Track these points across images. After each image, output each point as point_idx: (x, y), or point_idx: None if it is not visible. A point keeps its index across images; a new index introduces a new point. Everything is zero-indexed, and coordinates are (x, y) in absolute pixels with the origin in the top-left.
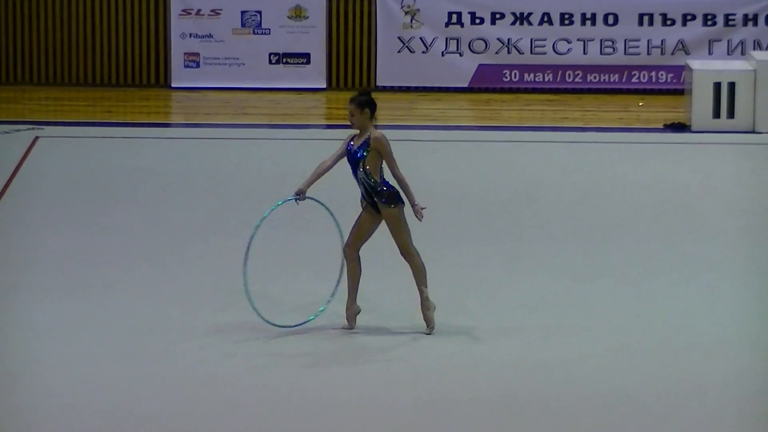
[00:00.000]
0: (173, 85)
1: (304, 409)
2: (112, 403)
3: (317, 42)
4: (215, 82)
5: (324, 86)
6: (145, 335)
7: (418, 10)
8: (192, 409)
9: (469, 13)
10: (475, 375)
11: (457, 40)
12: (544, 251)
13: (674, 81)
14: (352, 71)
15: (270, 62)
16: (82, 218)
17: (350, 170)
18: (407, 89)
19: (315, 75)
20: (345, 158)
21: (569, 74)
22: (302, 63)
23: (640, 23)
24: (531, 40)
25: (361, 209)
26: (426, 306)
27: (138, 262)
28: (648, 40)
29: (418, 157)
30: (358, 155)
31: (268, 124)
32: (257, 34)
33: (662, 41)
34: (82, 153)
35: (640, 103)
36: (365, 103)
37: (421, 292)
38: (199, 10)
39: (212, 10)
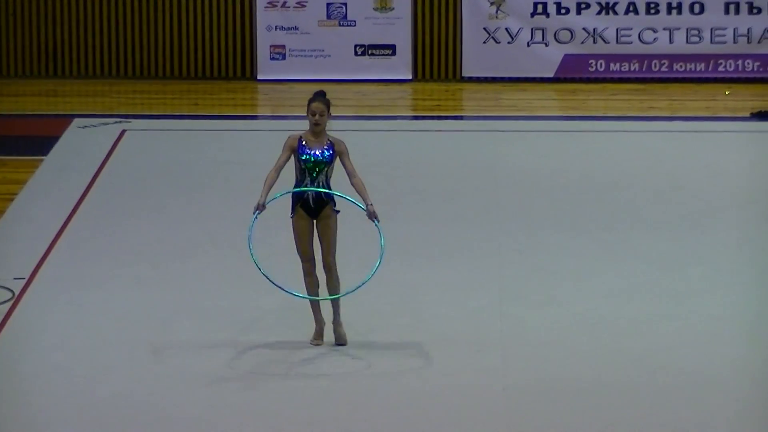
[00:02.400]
0: (259, 77)
1: (400, 394)
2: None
3: (403, 33)
4: (301, 74)
5: (410, 77)
6: (239, 325)
7: (504, 0)
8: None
9: (554, 3)
10: (566, 364)
11: (543, 30)
12: (633, 240)
13: (761, 69)
14: (438, 62)
15: (356, 54)
16: (169, 210)
17: (298, 175)
18: (493, 80)
19: (401, 66)
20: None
21: (655, 63)
22: (388, 54)
23: (726, 12)
24: (617, 29)
25: (293, 220)
26: (340, 322)
27: (227, 252)
28: (734, 29)
29: (505, 147)
30: (326, 158)
31: (355, 115)
32: (343, 25)
33: (749, 29)
34: (169, 146)
35: (727, 92)
36: (329, 104)
37: (338, 307)
38: (285, 3)
39: (298, 2)
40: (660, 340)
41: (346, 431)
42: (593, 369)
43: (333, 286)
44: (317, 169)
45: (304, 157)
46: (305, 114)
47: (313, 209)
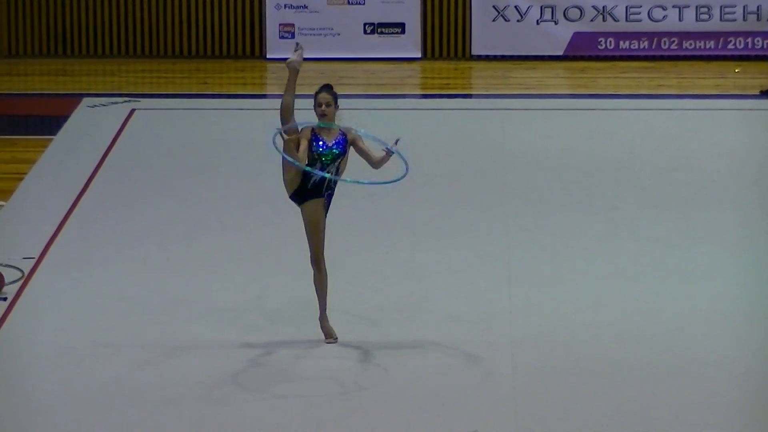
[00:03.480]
0: (268, 56)
1: (408, 374)
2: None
3: (412, 11)
4: (310, 52)
5: (419, 56)
6: (246, 306)
7: None
8: None
9: None
10: (574, 343)
11: (552, 8)
12: (640, 219)
13: None
14: (447, 41)
15: (365, 32)
16: (179, 190)
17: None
18: (502, 58)
19: (410, 45)
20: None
21: (665, 41)
22: (397, 33)
23: None
24: (626, 7)
25: (306, 207)
26: (326, 317)
27: (236, 232)
28: (744, 6)
29: (513, 126)
30: (340, 150)
31: (363, 94)
32: (352, 4)
33: (758, 7)
34: (179, 125)
35: (737, 70)
36: (336, 96)
37: (326, 303)
38: None
39: None
40: (667, 320)
41: (355, 410)
42: (601, 348)
43: (324, 282)
44: (330, 161)
45: (317, 148)
46: (311, 94)
47: (322, 200)
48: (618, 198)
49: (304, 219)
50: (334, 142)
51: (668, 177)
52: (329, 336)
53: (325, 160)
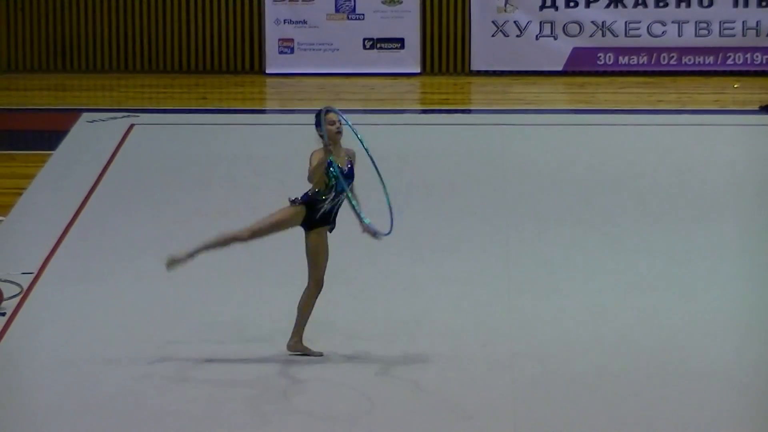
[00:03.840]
0: (268, 71)
1: (407, 387)
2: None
3: (411, 27)
4: (310, 67)
5: (418, 71)
6: (244, 319)
7: None
8: None
9: None
10: (574, 356)
11: (552, 24)
12: (640, 233)
13: None
14: (447, 56)
15: (364, 47)
16: (178, 203)
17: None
18: (502, 73)
19: (409, 60)
20: None
21: (664, 56)
22: (396, 48)
23: (735, 5)
24: (625, 22)
25: (313, 236)
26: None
27: (235, 246)
28: (743, 22)
29: (513, 141)
30: (353, 173)
31: (363, 109)
32: (351, 19)
33: (757, 22)
34: (178, 140)
35: (736, 85)
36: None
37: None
38: None
39: None
40: (667, 332)
41: (354, 424)
42: (600, 361)
43: (314, 300)
44: (347, 183)
45: (333, 172)
46: (314, 108)
47: (324, 227)
48: (618, 211)
49: (308, 245)
50: (346, 166)
51: (668, 190)
52: (312, 352)
53: (347, 183)
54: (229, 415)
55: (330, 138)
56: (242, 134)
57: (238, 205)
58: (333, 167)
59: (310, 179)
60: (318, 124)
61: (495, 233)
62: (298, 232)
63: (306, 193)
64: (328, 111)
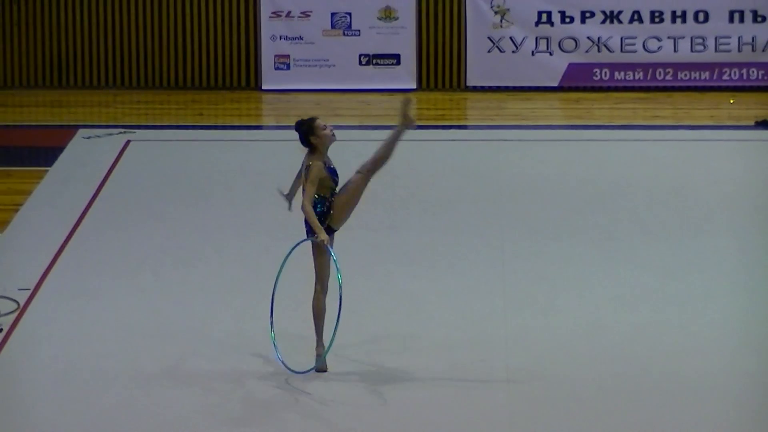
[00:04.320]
0: (264, 87)
1: (403, 402)
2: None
3: (407, 43)
4: (306, 83)
5: (414, 87)
6: (242, 335)
7: (508, 9)
8: None
9: (559, 12)
10: (570, 370)
11: (547, 39)
12: (636, 247)
13: (765, 78)
14: (443, 71)
15: (360, 63)
16: (174, 220)
17: (327, 195)
18: (497, 89)
19: (405, 76)
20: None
21: (660, 72)
22: (392, 64)
23: (731, 20)
24: (621, 38)
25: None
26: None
27: (231, 262)
28: (739, 37)
29: (509, 156)
30: (336, 172)
31: (359, 125)
32: (347, 35)
33: (753, 38)
34: (174, 156)
35: (731, 101)
36: None
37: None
38: (289, 12)
39: (302, 12)
40: (663, 347)
41: None
42: (597, 376)
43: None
44: (336, 185)
45: (333, 175)
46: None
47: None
48: (613, 226)
49: (316, 252)
50: (334, 166)
51: (664, 205)
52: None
53: (337, 187)
54: (225, 430)
55: (328, 142)
56: (238, 150)
57: (234, 220)
58: (332, 171)
59: (306, 187)
60: (310, 133)
61: (490, 248)
62: (299, 248)
63: (324, 226)
64: (313, 119)
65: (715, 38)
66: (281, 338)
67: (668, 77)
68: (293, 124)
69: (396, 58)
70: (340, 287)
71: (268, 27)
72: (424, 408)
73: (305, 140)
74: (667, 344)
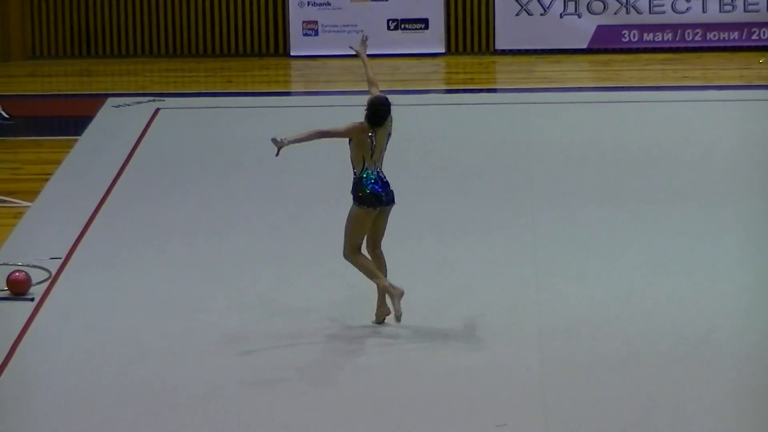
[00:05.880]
0: (292, 53)
1: (436, 369)
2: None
3: (435, 7)
4: (334, 49)
5: (443, 51)
6: (273, 306)
7: None
8: None
9: None
10: (603, 337)
11: (576, 2)
12: (668, 211)
13: None
14: (471, 35)
15: (388, 28)
16: (205, 188)
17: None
18: (526, 52)
19: (433, 40)
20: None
21: (689, 33)
22: (420, 28)
23: None
24: None
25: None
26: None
27: (262, 230)
28: None
29: (538, 120)
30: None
31: (388, 90)
32: (375, 0)
33: None
34: (203, 123)
35: (761, 61)
36: None
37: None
38: None
39: None
40: (696, 313)
41: (381, 406)
42: (630, 342)
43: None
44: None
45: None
46: (339, 90)
47: (386, 203)
48: (645, 190)
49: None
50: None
51: (695, 168)
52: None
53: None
54: (259, 399)
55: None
56: (268, 117)
57: (265, 188)
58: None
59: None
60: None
61: (522, 213)
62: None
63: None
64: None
65: None
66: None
67: (697, 38)
68: (322, 90)
69: (424, 23)
70: None
71: None
72: (456, 374)
73: (386, 117)
74: (701, 309)
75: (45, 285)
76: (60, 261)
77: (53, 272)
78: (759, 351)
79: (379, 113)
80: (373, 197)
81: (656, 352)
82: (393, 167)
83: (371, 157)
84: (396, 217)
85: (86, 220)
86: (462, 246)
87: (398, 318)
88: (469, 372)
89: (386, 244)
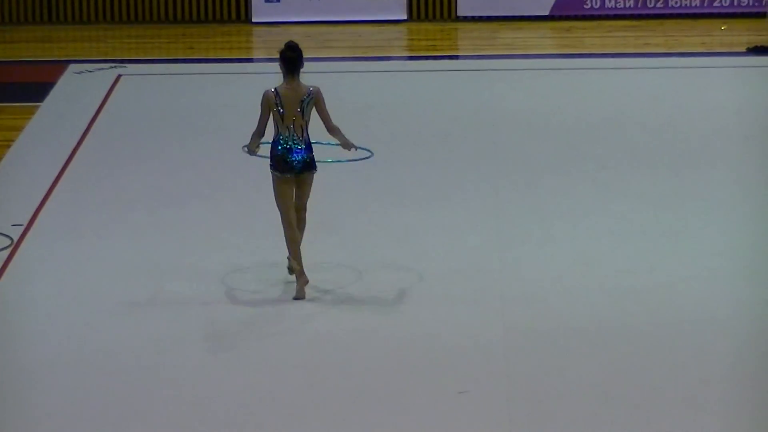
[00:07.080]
0: (254, 20)
1: (398, 336)
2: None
3: None
4: (296, 16)
5: (405, 18)
6: (236, 274)
7: None
8: None
9: None
10: (565, 303)
11: None
12: (630, 178)
13: (756, 4)
14: (433, 2)
15: None
16: (166, 155)
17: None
18: (488, 19)
19: (395, 6)
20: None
21: (651, 0)
22: None
23: None
24: None
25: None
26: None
27: (224, 197)
28: None
29: (500, 87)
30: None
31: (349, 57)
32: None
33: None
34: (165, 90)
35: (723, 27)
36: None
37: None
38: None
39: None
40: (658, 278)
41: (344, 373)
42: (592, 308)
43: (300, 227)
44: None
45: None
46: (304, 56)
47: (297, 171)
48: (607, 157)
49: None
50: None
51: (657, 135)
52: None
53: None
54: (220, 363)
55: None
56: (229, 84)
57: (227, 155)
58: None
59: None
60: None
61: (484, 181)
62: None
63: None
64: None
65: None
66: None
67: (659, 4)
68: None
69: None
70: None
71: None
72: (419, 341)
73: (300, 64)
74: (665, 275)
75: (7, 252)
76: (22, 228)
77: (15, 239)
78: (722, 316)
79: (284, 56)
80: (280, 162)
81: (618, 318)
82: (355, 134)
83: (282, 122)
84: (357, 183)
85: (48, 186)
86: (424, 212)
87: (296, 298)
88: (431, 339)
89: (348, 211)
